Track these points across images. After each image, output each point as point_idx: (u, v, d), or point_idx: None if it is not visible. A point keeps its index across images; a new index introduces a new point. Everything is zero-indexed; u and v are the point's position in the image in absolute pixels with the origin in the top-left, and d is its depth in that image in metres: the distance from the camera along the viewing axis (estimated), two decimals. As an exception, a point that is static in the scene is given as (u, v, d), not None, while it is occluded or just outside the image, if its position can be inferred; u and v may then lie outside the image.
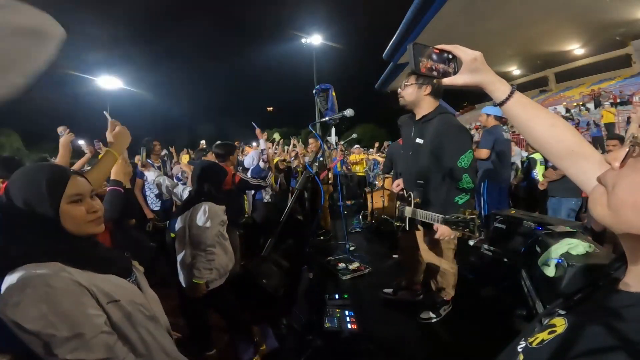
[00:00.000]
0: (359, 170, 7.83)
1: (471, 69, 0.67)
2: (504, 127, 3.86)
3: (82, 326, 0.74)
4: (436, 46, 0.68)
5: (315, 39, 22.91)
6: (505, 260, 2.58)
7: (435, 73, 0.69)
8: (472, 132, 17.83)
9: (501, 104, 0.66)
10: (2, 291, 0.73)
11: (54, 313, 0.72)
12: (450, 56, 0.69)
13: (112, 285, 0.84)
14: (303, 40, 23.45)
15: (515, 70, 25.64)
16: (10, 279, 0.73)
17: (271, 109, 44.66)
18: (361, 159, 8.12)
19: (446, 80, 0.69)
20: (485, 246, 2.85)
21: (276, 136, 5.21)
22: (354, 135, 6.13)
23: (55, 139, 2.30)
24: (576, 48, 20.93)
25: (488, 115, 3.67)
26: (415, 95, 1.97)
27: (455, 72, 0.69)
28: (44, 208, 0.80)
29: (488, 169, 3.63)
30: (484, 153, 3.55)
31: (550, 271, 1.72)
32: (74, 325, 0.73)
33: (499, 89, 0.66)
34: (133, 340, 0.85)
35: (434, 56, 0.68)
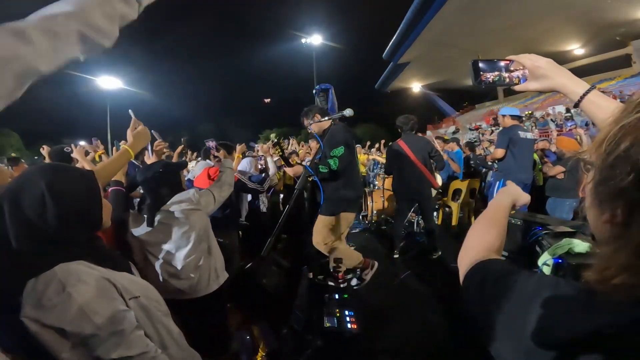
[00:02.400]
0: (360, 169, 7.81)
1: (537, 75, 0.69)
2: (523, 127, 3.82)
3: (122, 322, 0.74)
4: (505, 58, 0.72)
5: (315, 39, 22.92)
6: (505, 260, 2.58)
7: (494, 83, 0.72)
8: (472, 131, 17.84)
9: (575, 105, 0.68)
10: (32, 296, 0.67)
11: (94, 311, 0.70)
12: (512, 64, 0.72)
13: (130, 282, 0.84)
14: (303, 40, 23.47)
15: (515, 70, 25.56)
16: (42, 281, 0.69)
17: (268, 100, 44.17)
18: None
19: (518, 87, 0.72)
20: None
21: (272, 136, 5.19)
22: (354, 135, 6.12)
23: (55, 139, 2.31)
24: (576, 48, 20.94)
25: (504, 116, 3.66)
26: (318, 128, 2.72)
27: (521, 77, 0.71)
28: (94, 203, 0.85)
29: (504, 169, 3.60)
30: (499, 153, 3.53)
31: (550, 271, 1.71)
32: (115, 322, 0.72)
33: (572, 92, 0.67)
34: (151, 335, 0.85)
35: (493, 67, 0.72)
